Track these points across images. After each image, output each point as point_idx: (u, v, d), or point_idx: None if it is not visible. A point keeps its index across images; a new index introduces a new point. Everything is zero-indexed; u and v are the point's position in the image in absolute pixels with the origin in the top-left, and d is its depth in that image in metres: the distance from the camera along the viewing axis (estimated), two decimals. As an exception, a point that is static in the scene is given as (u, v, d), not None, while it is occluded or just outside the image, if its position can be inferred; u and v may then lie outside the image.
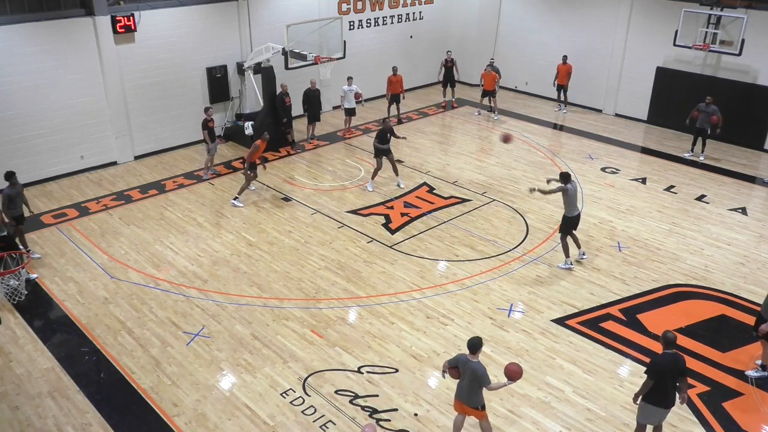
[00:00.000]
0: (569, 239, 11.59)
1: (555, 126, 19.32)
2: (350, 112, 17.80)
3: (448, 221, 13.33)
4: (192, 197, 14.27)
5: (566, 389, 8.76)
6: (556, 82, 19.93)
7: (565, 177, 11.16)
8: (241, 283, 11.08)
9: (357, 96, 17.54)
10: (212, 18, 16.62)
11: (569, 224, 11.47)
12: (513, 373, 7.11)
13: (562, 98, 20.19)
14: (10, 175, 11.38)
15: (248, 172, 13.83)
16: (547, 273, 11.50)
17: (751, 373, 9.09)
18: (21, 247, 11.48)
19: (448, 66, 20.08)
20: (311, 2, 18.45)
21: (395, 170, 14.77)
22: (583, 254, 11.85)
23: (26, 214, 11.88)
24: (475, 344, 7.11)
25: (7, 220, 11.26)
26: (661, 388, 7.16)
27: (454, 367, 7.26)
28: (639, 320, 10.25)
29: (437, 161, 16.45)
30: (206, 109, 14.92)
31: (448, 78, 20.22)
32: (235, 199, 13.84)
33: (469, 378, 7.14)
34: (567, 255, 11.62)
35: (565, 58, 19.48)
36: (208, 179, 15.11)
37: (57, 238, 12.41)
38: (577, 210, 11.42)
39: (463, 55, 21.01)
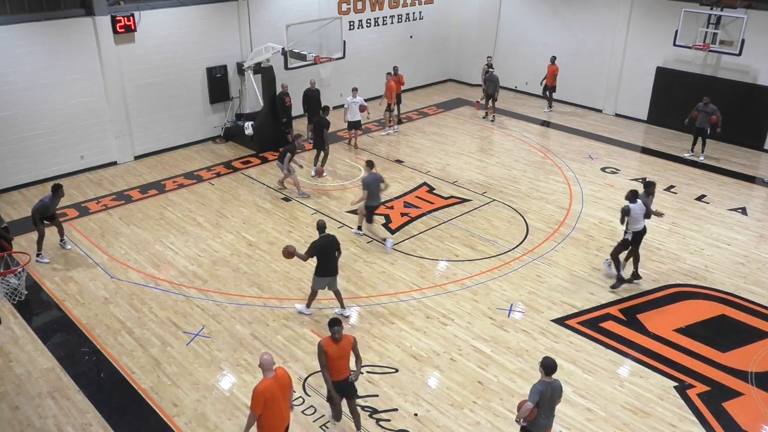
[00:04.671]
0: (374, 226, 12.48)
1: (554, 126, 19.31)
2: (354, 125, 16.86)
3: (448, 221, 13.33)
4: (192, 197, 14.27)
5: (566, 389, 8.73)
6: (544, 83, 19.89)
7: (369, 164, 12.36)
8: (241, 283, 11.08)
9: (362, 108, 16.59)
10: (212, 18, 16.62)
11: (371, 212, 12.28)
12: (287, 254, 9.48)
13: (548, 97, 20.14)
14: (56, 188, 11.62)
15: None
16: (547, 273, 11.50)
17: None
18: (64, 238, 12.10)
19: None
20: (311, 2, 18.45)
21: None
22: (387, 241, 12.32)
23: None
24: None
25: (39, 224, 11.57)
26: (325, 262, 9.63)
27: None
28: (639, 320, 10.25)
29: (437, 161, 16.45)
30: (296, 137, 14.56)
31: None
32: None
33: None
34: (383, 240, 12.34)
35: (553, 59, 19.46)
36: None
37: (57, 238, 12.38)
38: (377, 201, 12.26)
39: (463, 55, 20.99)
